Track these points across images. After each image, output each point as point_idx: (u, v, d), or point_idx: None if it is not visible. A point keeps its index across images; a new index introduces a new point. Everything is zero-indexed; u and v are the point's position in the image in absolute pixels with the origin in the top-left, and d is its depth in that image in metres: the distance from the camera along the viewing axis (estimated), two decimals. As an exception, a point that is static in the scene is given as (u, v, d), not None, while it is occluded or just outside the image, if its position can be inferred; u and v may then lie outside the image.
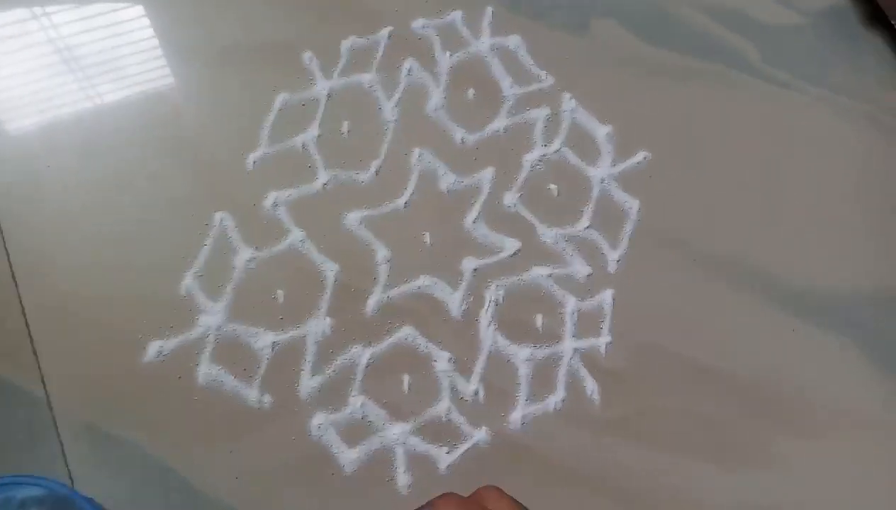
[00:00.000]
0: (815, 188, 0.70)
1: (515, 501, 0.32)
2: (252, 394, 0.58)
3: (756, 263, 0.67)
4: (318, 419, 0.58)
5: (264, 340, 0.60)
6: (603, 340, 0.63)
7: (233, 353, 0.59)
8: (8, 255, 0.60)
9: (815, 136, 0.73)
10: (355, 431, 0.58)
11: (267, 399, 0.58)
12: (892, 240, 0.69)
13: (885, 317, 0.66)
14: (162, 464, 0.57)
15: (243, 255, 0.62)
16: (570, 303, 0.64)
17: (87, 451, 0.56)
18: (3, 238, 0.60)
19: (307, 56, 0.69)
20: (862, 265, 0.68)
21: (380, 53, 0.70)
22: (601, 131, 0.70)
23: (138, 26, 0.69)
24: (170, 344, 0.59)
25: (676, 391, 0.62)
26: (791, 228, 0.68)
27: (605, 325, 0.64)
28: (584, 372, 0.62)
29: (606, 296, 0.64)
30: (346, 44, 0.70)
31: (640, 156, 0.69)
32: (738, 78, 0.74)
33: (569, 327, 0.63)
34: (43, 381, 0.57)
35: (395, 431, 0.58)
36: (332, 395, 0.59)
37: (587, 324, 0.63)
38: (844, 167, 0.72)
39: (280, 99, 0.67)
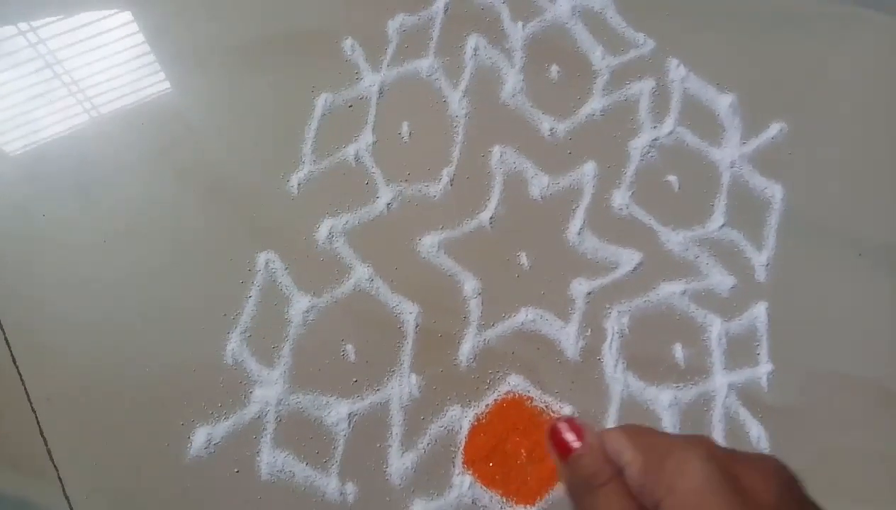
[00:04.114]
0: None
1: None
2: (331, 483, 0.46)
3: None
4: (419, 509, 0.45)
5: (338, 412, 0.47)
6: (763, 370, 0.49)
7: (301, 433, 0.47)
8: (7, 340, 0.47)
9: None
10: (467, 521, 0.45)
11: (350, 489, 0.46)
12: None
13: None
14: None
15: (299, 304, 0.49)
16: (715, 326, 0.50)
17: (132, 581, 0.44)
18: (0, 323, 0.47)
19: (348, 44, 0.55)
20: None
21: (436, 32, 0.56)
22: (722, 102, 0.55)
23: (131, 31, 0.55)
24: (220, 429, 0.47)
25: (863, 427, 0.49)
26: None
27: (763, 350, 0.50)
28: (744, 413, 0.48)
29: (759, 311, 0.51)
30: (393, 24, 0.56)
31: (774, 128, 0.55)
32: (874, 19, 0.59)
33: (717, 357, 0.50)
34: (66, 496, 0.45)
35: (518, 517, 0.45)
36: (430, 476, 0.46)
37: (740, 350, 0.50)
38: None
39: (322, 101, 0.54)
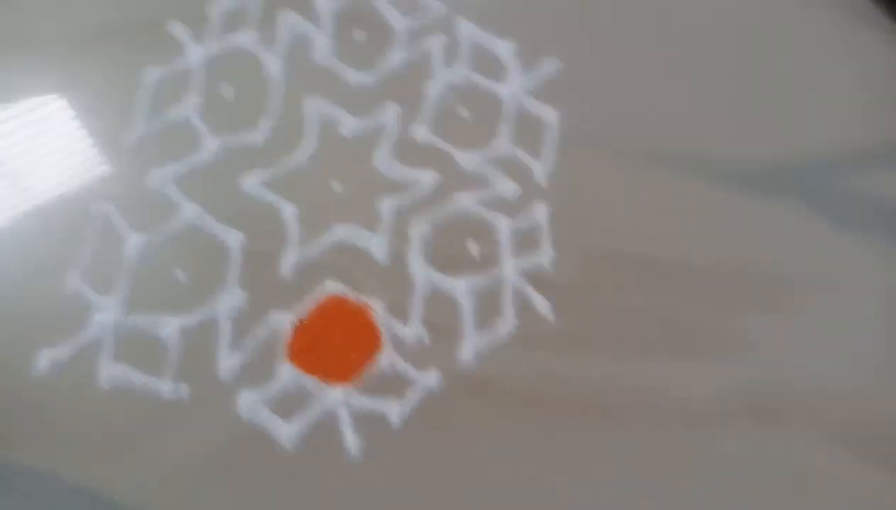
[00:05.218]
0: (733, 53, 0.66)
1: None
2: (165, 386, 0.51)
3: (692, 147, 0.62)
4: (246, 398, 0.51)
5: (170, 326, 0.53)
6: (546, 255, 0.57)
7: (137, 348, 0.52)
8: None
9: None
10: (290, 403, 0.51)
11: (183, 388, 0.51)
12: (824, 98, 0.65)
13: (834, 175, 0.62)
14: (76, 485, 0.49)
15: (133, 241, 0.55)
16: (504, 224, 0.58)
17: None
18: None
19: (173, 25, 0.63)
20: (798, 127, 0.64)
21: (255, 11, 0.65)
22: (504, 48, 0.65)
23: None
24: (62, 351, 0.52)
25: (635, 291, 0.57)
26: (719, 101, 0.64)
27: (546, 240, 0.58)
28: (531, 291, 0.56)
29: (541, 210, 0.59)
30: (214, 7, 0.64)
31: (550, 64, 0.65)
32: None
33: (506, 248, 0.57)
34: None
35: (335, 394, 0.51)
36: (256, 370, 0.52)
37: (526, 242, 0.58)
38: (769, 22, 0.68)
39: (150, 73, 0.61)
